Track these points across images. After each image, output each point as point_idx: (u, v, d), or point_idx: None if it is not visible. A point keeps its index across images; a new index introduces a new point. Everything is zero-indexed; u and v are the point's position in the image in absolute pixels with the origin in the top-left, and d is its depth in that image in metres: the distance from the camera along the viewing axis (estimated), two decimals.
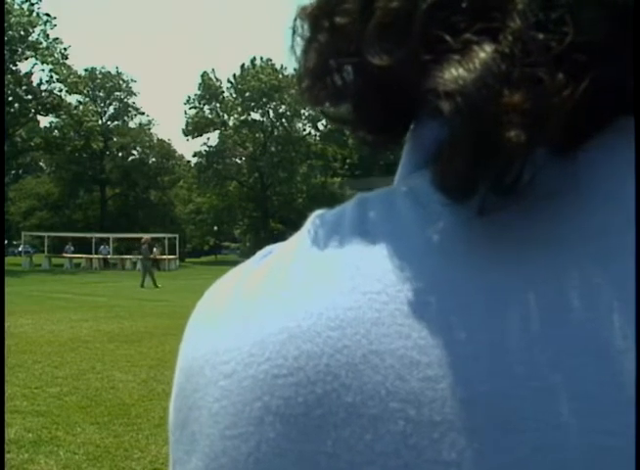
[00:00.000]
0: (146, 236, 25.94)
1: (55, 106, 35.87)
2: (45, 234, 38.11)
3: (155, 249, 33.84)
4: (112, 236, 37.98)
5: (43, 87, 36.37)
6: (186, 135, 45.62)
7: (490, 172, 0.23)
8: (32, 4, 34.61)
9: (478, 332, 0.23)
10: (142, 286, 19.96)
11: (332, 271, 0.26)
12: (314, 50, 0.31)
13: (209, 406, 0.27)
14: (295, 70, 0.32)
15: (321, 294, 0.26)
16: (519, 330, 0.23)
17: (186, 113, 45.64)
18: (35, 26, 34.82)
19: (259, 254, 0.32)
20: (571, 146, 0.24)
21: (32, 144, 37.69)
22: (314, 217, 0.30)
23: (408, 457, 0.23)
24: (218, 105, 45.62)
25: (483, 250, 0.25)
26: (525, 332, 0.23)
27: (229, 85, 45.63)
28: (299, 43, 0.32)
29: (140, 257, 34.83)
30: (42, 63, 35.73)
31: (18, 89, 34.62)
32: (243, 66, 45.18)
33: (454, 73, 0.23)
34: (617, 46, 0.23)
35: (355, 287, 0.26)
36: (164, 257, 33.75)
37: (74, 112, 37.46)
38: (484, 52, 0.23)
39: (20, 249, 41.21)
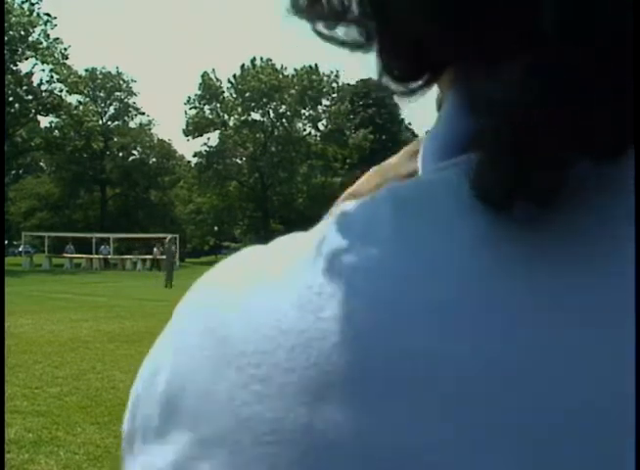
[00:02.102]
0: (169, 235, 26.10)
1: (55, 106, 35.88)
2: (45, 234, 38.13)
3: (155, 249, 33.90)
4: (112, 236, 37.99)
5: (43, 87, 36.40)
6: (186, 135, 45.63)
7: (530, 187, 0.23)
8: (33, 4, 34.65)
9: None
10: (170, 286, 19.85)
11: (372, 283, 0.25)
12: None
13: (236, 411, 0.25)
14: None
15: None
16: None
17: (186, 113, 45.69)
18: (36, 26, 34.85)
19: (278, 242, 0.29)
20: (615, 155, 0.23)
21: (33, 144, 37.68)
22: (339, 216, 0.28)
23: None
24: (218, 105, 45.64)
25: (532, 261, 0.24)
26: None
27: (229, 85, 45.65)
28: None
29: (140, 257, 34.93)
30: (42, 63, 35.75)
31: (18, 89, 34.65)
32: (243, 66, 45.20)
33: (490, 86, 0.23)
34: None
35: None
36: (165, 256, 33.81)
37: (75, 112, 37.47)
38: (522, 63, 0.23)
39: (20, 249, 41.24)
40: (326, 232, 0.27)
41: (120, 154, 48.60)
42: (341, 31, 0.30)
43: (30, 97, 35.65)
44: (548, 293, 0.23)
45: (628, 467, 0.21)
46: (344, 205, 0.29)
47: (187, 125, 45.38)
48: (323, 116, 45.86)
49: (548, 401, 0.22)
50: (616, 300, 0.22)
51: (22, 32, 34.18)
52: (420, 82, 0.29)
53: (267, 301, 0.26)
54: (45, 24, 35.52)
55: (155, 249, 33.95)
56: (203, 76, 45.61)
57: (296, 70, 45.15)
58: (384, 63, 0.29)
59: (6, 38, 31.63)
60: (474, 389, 0.22)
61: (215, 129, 45.71)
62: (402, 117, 49.22)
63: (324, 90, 45.15)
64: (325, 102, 45.91)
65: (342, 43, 0.30)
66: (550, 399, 0.22)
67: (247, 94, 44.39)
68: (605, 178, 0.24)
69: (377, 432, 0.23)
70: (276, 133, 45.03)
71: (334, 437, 0.23)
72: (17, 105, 34.97)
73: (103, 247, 37.14)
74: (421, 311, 0.23)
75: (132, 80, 49.44)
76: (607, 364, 0.22)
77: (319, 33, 0.30)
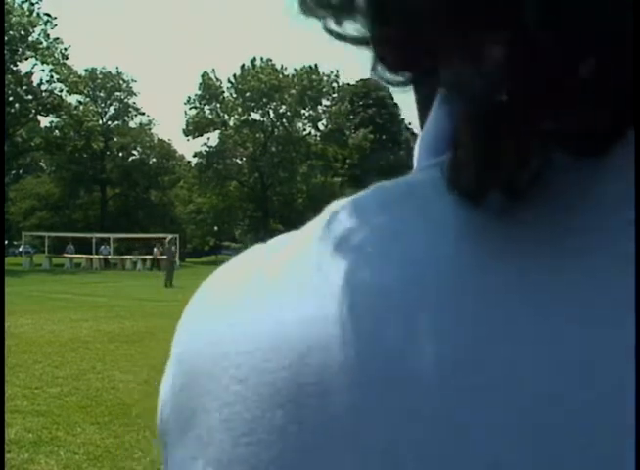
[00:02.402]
0: (170, 235, 26.17)
1: (55, 106, 35.88)
2: (45, 234, 38.12)
3: (155, 249, 33.89)
4: (112, 236, 37.98)
5: (43, 87, 36.39)
6: (186, 135, 45.62)
7: (502, 176, 0.23)
8: (33, 4, 34.62)
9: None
10: (171, 286, 19.95)
11: (353, 286, 0.25)
12: None
13: (219, 410, 0.26)
14: None
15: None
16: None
17: (186, 113, 45.67)
18: (36, 26, 34.83)
19: (273, 243, 0.30)
20: (596, 151, 0.23)
21: (33, 144, 37.67)
22: (330, 209, 0.29)
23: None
24: (218, 105, 45.62)
25: (507, 258, 0.23)
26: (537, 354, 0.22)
27: (229, 85, 45.64)
28: None
29: (140, 257, 34.85)
30: (42, 63, 35.73)
31: (18, 89, 34.63)
32: (243, 66, 45.19)
33: (466, 70, 0.23)
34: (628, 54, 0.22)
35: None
36: (165, 256, 33.85)
37: (75, 112, 37.46)
38: (500, 50, 0.22)
39: (20, 249, 41.24)
40: (312, 235, 0.27)
41: (120, 154, 48.59)
42: (351, 28, 0.29)
43: (30, 97, 35.63)
44: (525, 288, 0.23)
45: (628, 466, 0.20)
46: (334, 204, 0.29)
47: (187, 125, 45.37)
48: (323, 115, 45.84)
49: (536, 403, 0.21)
50: (602, 295, 0.22)
51: (22, 32, 34.15)
52: (415, 73, 0.29)
53: (254, 304, 0.26)
54: (45, 24, 35.51)
55: (155, 249, 33.96)
56: (203, 76, 45.59)
57: (296, 69, 45.12)
58: (377, 51, 0.29)
59: (6, 38, 31.62)
60: (445, 391, 0.22)
61: (215, 129, 45.69)
62: (402, 117, 49.34)
63: (324, 90, 45.13)
64: (325, 102, 45.92)
65: (353, 40, 0.29)
66: (541, 399, 0.21)
67: (247, 94, 44.37)
68: (589, 170, 0.24)
69: (350, 434, 0.23)
70: (276, 133, 45.02)
71: (308, 439, 0.23)
72: (17, 105, 34.95)
73: (103, 247, 37.14)
74: (395, 313, 0.24)
75: (132, 80, 49.47)
76: (591, 358, 0.21)
77: (330, 31, 0.30)
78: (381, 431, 0.22)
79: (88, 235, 37.71)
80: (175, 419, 0.28)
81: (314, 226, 0.28)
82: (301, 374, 0.24)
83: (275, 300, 0.26)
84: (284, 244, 0.29)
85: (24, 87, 35.20)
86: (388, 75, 0.29)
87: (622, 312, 0.21)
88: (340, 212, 0.27)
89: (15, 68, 34.91)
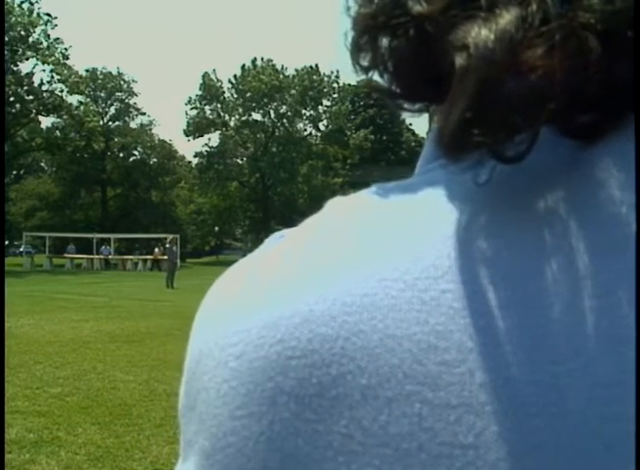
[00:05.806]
0: (170, 236, 26.13)
1: (56, 106, 35.88)
2: (46, 234, 38.13)
3: (156, 249, 33.88)
4: (113, 236, 38.00)
5: (44, 87, 36.39)
6: (187, 136, 45.65)
7: (487, 127, 0.24)
8: (33, 4, 34.64)
9: (497, 319, 0.23)
10: (172, 286, 19.98)
11: (348, 258, 0.27)
12: (358, 18, 0.30)
13: (218, 387, 0.27)
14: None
15: (336, 280, 0.26)
16: (540, 317, 0.23)
17: (187, 113, 45.71)
18: (36, 27, 34.82)
19: (270, 239, 0.31)
20: (589, 136, 0.24)
21: (33, 144, 37.71)
22: (330, 203, 0.31)
23: (423, 439, 0.23)
24: (219, 105, 45.64)
25: (497, 233, 0.25)
26: (545, 319, 0.23)
27: (230, 86, 45.66)
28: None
29: (141, 257, 34.73)
30: (43, 63, 35.73)
31: (19, 89, 34.63)
32: (244, 66, 45.20)
33: (475, 30, 0.24)
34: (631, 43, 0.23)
35: (371, 274, 0.26)
36: (165, 257, 33.82)
37: (76, 112, 37.48)
38: (509, 15, 0.24)
39: (21, 249, 41.28)
40: (311, 228, 0.29)
41: (121, 154, 48.61)
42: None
43: (31, 97, 35.62)
44: (503, 266, 0.24)
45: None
46: (335, 199, 0.31)
47: (188, 126, 45.38)
48: (324, 116, 45.83)
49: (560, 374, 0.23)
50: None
51: (23, 33, 34.15)
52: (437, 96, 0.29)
53: (252, 289, 0.28)
54: (45, 25, 35.51)
55: (156, 249, 33.94)
56: (203, 77, 45.58)
57: (296, 70, 45.12)
58: (394, 86, 0.30)
59: (6, 38, 31.62)
60: (453, 369, 0.23)
61: (216, 130, 45.69)
62: (403, 117, 49.28)
63: (325, 90, 45.13)
64: (326, 102, 45.91)
65: (388, 92, 0.31)
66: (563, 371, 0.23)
67: (247, 94, 44.36)
68: (583, 163, 0.25)
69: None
70: (277, 133, 45.00)
71: (295, 409, 0.25)
72: (17, 105, 34.95)
73: (104, 247, 37.14)
74: (384, 292, 0.25)
75: (133, 81, 49.52)
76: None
77: (370, 86, 0.31)
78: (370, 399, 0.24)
79: (89, 235, 37.74)
80: (185, 403, 0.30)
81: (308, 227, 0.30)
82: (290, 348, 0.25)
83: (264, 284, 0.28)
84: (273, 245, 0.30)
85: (25, 87, 35.19)
86: (404, 104, 0.31)
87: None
88: (336, 215, 0.29)
89: (15, 68, 34.89)
